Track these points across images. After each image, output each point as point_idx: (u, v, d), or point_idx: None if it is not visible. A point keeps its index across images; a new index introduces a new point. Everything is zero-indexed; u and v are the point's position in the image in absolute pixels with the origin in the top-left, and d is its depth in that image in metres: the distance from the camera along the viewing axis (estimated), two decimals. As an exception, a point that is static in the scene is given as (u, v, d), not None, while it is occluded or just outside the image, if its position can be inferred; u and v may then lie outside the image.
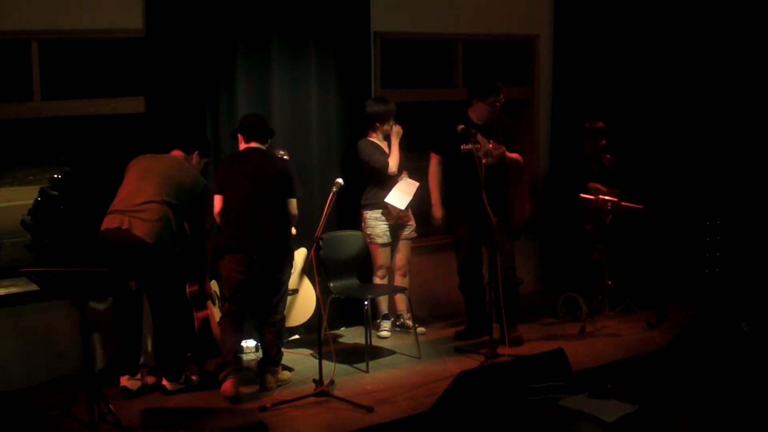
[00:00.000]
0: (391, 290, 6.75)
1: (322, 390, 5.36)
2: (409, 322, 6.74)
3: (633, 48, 8.05)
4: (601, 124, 7.20)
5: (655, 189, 7.66)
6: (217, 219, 5.56)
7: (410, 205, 6.60)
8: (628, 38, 8.05)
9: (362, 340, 6.31)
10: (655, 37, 8.04)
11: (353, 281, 6.50)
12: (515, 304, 6.40)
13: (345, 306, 6.85)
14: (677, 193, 7.85)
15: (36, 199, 7.07)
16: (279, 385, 5.60)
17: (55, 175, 7.17)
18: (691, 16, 7.94)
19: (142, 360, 5.76)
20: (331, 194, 5.54)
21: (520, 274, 6.67)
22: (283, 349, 5.73)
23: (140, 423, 5.06)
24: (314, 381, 5.43)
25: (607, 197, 6.78)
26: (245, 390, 5.51)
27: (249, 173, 5.48)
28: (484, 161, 6.01)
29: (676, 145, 8.01)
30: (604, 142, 7.19)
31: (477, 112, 6.33)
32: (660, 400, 4.61)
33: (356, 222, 6.70)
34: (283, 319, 5.69)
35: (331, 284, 6.29)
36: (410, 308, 6.64)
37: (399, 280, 6.75)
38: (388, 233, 6.63)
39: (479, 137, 6.07)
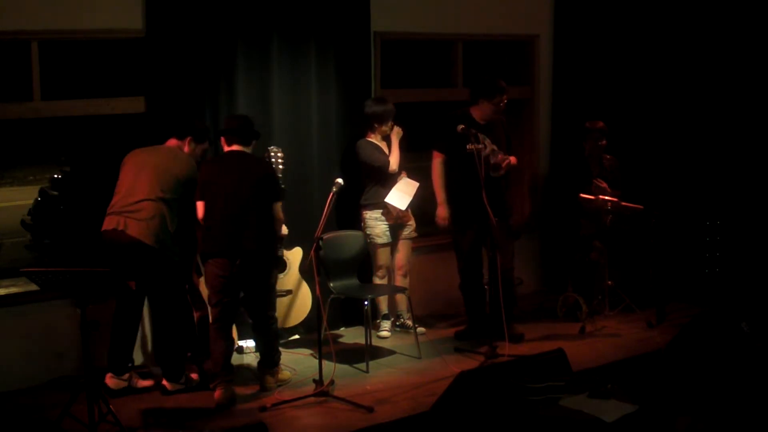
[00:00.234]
0: (391, 290, 6.75)
1: (322, 390, 5.36)
2: (409, 322, 6.74)
3: (633, 48, 8.05)
4: (601, 124, 7.20)
5: (655, 189, 7.66)
6: (201, 224, 5.49)
7: (410, 205, 6.60)
8: (628, 38, 8.05)
9: (362, 340, 6.31)
10: (656, 37, 8.04)
11: (353, 281, 6.50)
12: (512, 303, 6.40)
13: (345, 306, 6.85)
14: (677, 193, 7.85)
15: (36, 199, 7.06)
16: (279, 386, 5.59)
17: (55, 175, 7.17)
18: (691, 16, 7.94)
19: (141, 361, 5.75)
20: (331, 194, 5.54)
21: (520, 274, 6.67)
22: (282, 350, 5.73)
23: (140, 423, 5.06)
24: (314, 381, 5.42)
25: (607, 197, 6.79)
26: (245, 390, 5.52)
27: (229, 177, 5.38)
28: (495, 174, 6.06)
29: (676, 145, 8.00)
30: (604, 142, 7.19)
31: (481, 112, 6.33)
32: (660, 400, 4.61)
33: (356, 222, 6.70)
34: (276, 321, 5.64)
35: (331, 284, 6.29)
36: (410, 308, 6.64)
37: (400, 281, 6.75)
38: (387, 233, 6.63)
39: (486, 141, 6.08)
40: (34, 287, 4.86)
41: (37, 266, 5.23)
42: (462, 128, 6.04)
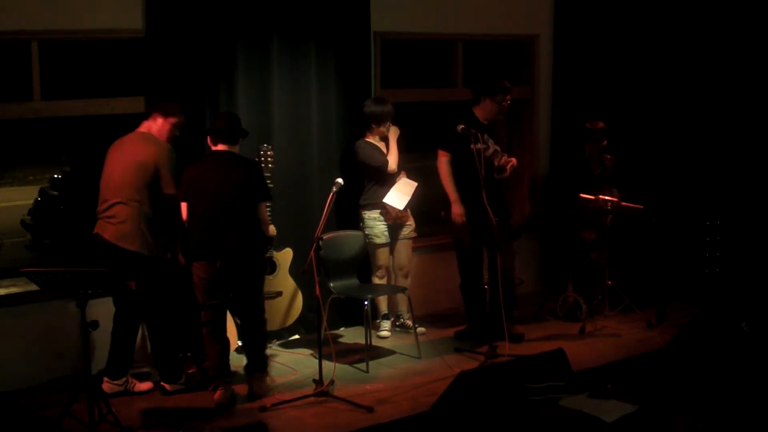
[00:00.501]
0: (391, 290, 6.75)
1: (322, 390, 5.35)
2: (409, 322, 6.74)
3: (633, 48, 8.04)
4: (601, 124, 7.19)
5: (655, 189, 7.66)
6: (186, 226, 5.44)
7: (409, 205, 6.60)
8: (628, 38, 8.05)
9: (362, 340, 6.31)
10: (656, 37, 8.03)
11: (353, 281, 6.50)
12: (513, 303, 6.41)
13: (345, 306, 6.85)
14: (677, 193, 7.85)
15: (36, 199, 7.04)
16: (271, 392, 5.48)
17: (55, 175, 7.15)
18: (691, 16, 7.94)
19: (146, 369, 5.73)
20: (331, 194, 5.54)
21: (520, 274, 6.66)
22: (282, 350, 5.72)
23: (140, 423, 5.06)
24: (314, 381, 5.42)
25: (606, 197, 6.78)
26: (245, 390, 5.50)
27: (213, 178, 5.31)
28: (499, 176, 6.05)
29: (676, 145, 8.00)
30: (605, 142, 7.18)
31: (484, 111, 6.32)
32: (660, 400, 4.61)
33: (356, 222, 6.70)
34: (265, 322, 5.58)
35: (331, 284, 6.29)
36: (410, 308, 6.64)
37: (401, 281, 6.74)
38: (386, 233, 6.63)
39: (490, 141, 6.08)
40: (34, 287, 4.86)
41: (37, 266, 5.22)
42: (462, 128, 6.03)
